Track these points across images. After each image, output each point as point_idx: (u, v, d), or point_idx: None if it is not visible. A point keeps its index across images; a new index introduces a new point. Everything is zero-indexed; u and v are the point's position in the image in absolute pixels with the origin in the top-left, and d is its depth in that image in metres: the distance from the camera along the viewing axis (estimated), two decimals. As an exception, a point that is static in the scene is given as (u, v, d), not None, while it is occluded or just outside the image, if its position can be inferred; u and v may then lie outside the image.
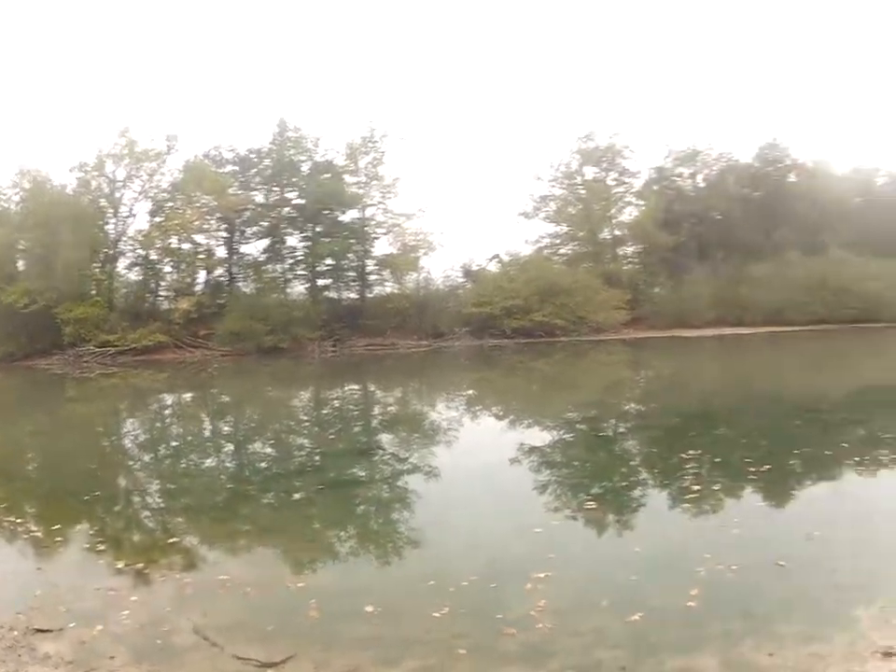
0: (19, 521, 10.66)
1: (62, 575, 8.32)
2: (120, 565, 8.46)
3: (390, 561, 8.65)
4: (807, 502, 10.61)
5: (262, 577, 7.88)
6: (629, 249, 65.57)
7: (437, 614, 6.56)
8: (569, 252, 62.65)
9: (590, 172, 64.35)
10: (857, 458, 12.88)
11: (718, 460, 13.10)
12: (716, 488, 11.16)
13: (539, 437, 16.80)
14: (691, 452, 12.93)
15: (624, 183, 65.19)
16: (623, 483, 12.19)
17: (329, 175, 54.33)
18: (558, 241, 63.31)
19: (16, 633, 6.70)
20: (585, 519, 9.79)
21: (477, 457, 14.58)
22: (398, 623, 6.60)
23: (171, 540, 9.52)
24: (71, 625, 6.82)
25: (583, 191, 62.52)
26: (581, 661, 5.87)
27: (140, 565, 8.42)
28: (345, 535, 9.86)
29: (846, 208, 65.39)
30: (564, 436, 17.22)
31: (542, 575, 7.31)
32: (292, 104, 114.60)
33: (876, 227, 62.87)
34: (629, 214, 64.62)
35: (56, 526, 10.13)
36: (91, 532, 10.13)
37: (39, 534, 9.94)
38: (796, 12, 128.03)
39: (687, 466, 12.13)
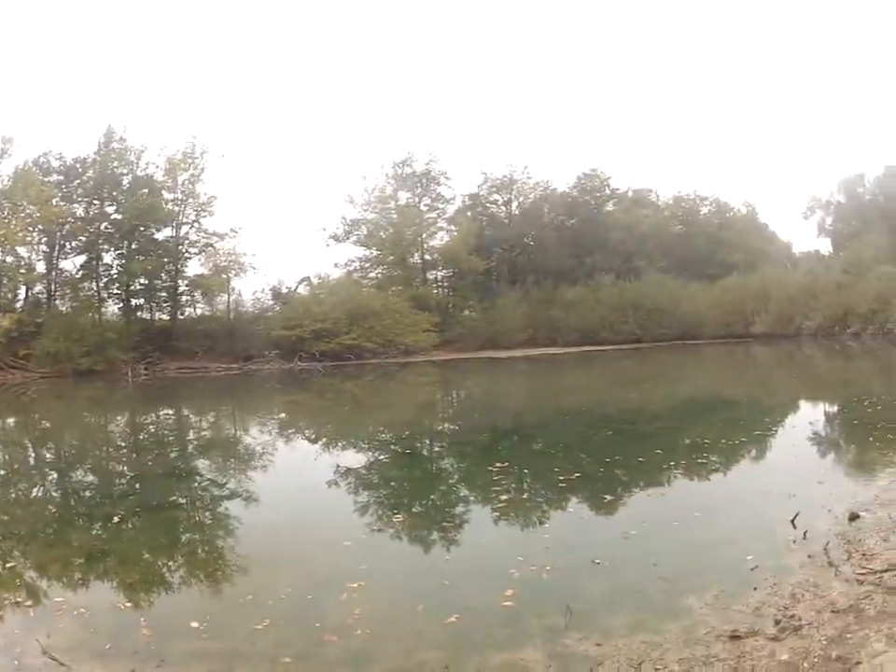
0: None
1: None
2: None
3: (211, 578, 8.32)
4: (621, 506, 10.65)
5: (95, 599, 7.59)
6: (440, 273, 65.99)
7: (259, 626, 6.44)
8: (379, 275, 62.40)
9: (404, 197, 64.47)
10: (671, 463, 13.21)
11: (527, 471, 13.47)
12: (524, 497, 11.52)
13: (352, 458, 16.39)
14: (497, 464, 12.82)
15: (437, 209, 65.52)
16: (434, 497, 12.14)
17: (146, 191, 51.66)
18: (368, 264, 63.05)
19: None
20: (395, 531, 9.69)
21: (291, 479, 14.23)
22: (224, 636, 6.45)
23: (8, 565, 8.96)
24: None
25: (395, 216, 62.00)
26: (404, 663, 5.83)
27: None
28: (168, 557, 9.49)
29: (667, 234, 69.01)
30: (376, 456, 16.82)
31: (356, 585, 7.24)
32: (124, 106, 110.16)
33: (694, 253, 66.81)
34: (441, 239, 64.78)
35: None
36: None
37: None
38: (621, 40, 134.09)
39: (496, 478, 11.97)
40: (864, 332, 49.56)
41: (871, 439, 14.54)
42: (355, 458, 16.24)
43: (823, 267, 61.91)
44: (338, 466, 14.52)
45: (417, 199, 64.51)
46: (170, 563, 9.24)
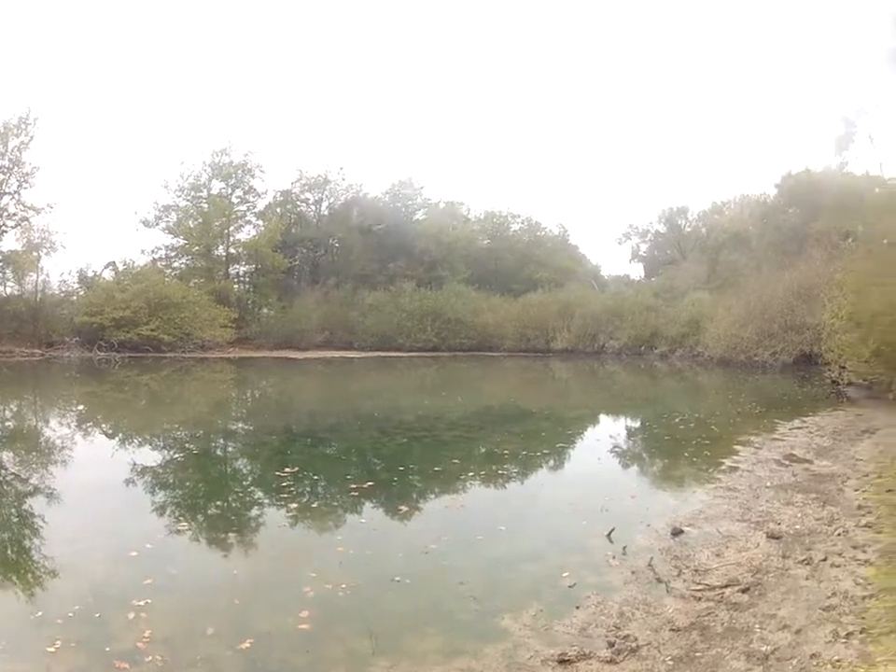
0: None
1: None
2: None
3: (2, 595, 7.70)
4: (418, 517, 10.43)
5: None
6: (242, 268, 65.75)
7: (51, 649, 6.00)
8: (183, 266, 61.62)
9: (217, 186, 63.85)
10: (470, 473, 13.24)
11: (317, 477, 13.14)
12: (315, 506, 11.07)
13: (145, 456, 15.76)
14: (287, 469, 12.72)
15: (248, 202, 65.22)
16: (222, 503, 11.68)
17: None
18: (174, 253, 61.93)
19: None
20: (181, 541, 9.24)
21: (83, 478, 13.36)
22: (18, 660, 5.99)
23: None
24: None
25: (206, 206, 61.39)
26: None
27: None
28: None
29: (474, 247, 71.01)
30: (169, 455, 16.28)
31: (143, 602, 6.90)
32: None
33: (501, 267, 69.90)
34: (248, 233, 64.68)
35: None
36: None
37: None
38: (448, 52, 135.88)
39: (286, 484, 11.84)
40: (672, 353, 51.78)
41: (685, 454, 15.04)
42: (148, 456, 15.74)
43: (632, 290, 65.03)
44: (132, 464, 14.12)
45: (230, 190, 63.95)
46: None
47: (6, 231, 51.33)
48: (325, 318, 57.69)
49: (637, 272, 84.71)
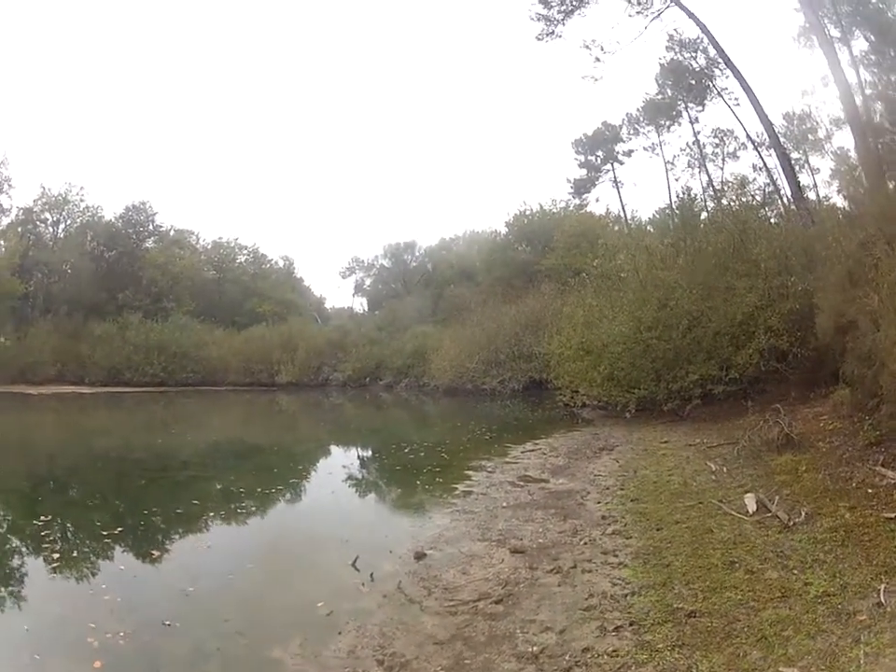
0: None
1: None
2: None
3: None
4: (170, 560, 10.57)
5: None
6: None
7: None
8: None
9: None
10: (210, 513, 13.77)
11: (69, 525, 12.94)
12: (75, 554, 10.85)
13: None
14: (43, 518, 12.42)
15: (-10, 219, 60.86)
16: None
17: None
18: None
19: None
20: None
21: None
22: None
23: None
24: None
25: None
26: None
27: None
28: None
29: (200, 278, 71.81)
30: None
31: None
32: None
33: (226, 299, 71.28)
34: None
35: None
36: None
37: None
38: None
39: (44, 533, 11.61)
40: (398, 384, 53.58)
41: (419, 482, 15.84)
42: None
43: (355, 322, 67.51)
44: None
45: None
46: None
47: None
48: (56, 350, 56.30)
49: (360, 305, 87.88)
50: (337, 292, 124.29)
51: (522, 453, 19.09)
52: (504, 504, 12.74)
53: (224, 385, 58.73)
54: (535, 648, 6.39)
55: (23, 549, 11.59)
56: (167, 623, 7.67)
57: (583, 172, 59.33)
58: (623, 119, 58.44)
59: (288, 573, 9.66)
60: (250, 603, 8.44)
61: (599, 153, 58.59)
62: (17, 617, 8.22)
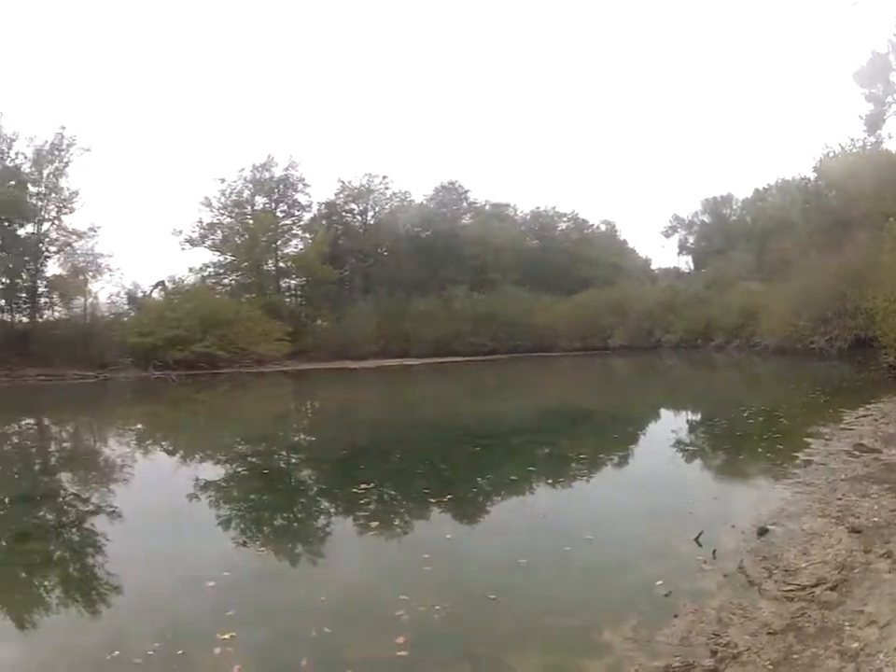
0: None
1: None
2: None
3: (72, 628, 7.17)
4: (502, 530, 9.88)
5: None
6: (293, 282, 65.87)
7: None
8: (233, 282, 61.69)
9: (260, 202, 64.29)
10: (548, 480, 12.97)
11: (394, 492, 12.55)
12: (396, 523, 10.55)
13: (212, 473, 15.38)
14: (363, 486, 12.06)
15: (293, 215, 65.55)
16: (300, 524, 11.13)
17: (13, 183, 48.76)
18: (222, 270, 62.08)
19: None
20: (261, 566, 8.71)
21: (151, 499, 12.97)
22: None
23: None
24: None
25: (251, 221, 61.61)
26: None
27: None
28: (27, 599, 8.19)
29: (522, 248, 70.93)
30: (237, 472, 15.78)
31: (227, 636, 6.29)
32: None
33: (550, 267, 69.53)
34: (295, 246, 64.86)
35: None
36: None
37: None
38: (482, 51, 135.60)
39: (362, 501, 11.24)
40: (728, 345, 51.26)
41: (759, 450, 14.64)
42: (214, 476, 15.22)
43: (683, 283, 64.65)
44: (198, 484, 13.63)
45: (274, 205, 64.24)
46: (30, 608, 7.98)
47: (48, 257, 51.72)
48: (379, 327, 57.55)
49: (686, 263, 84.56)
50: (661, 252, 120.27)
51: (855, 418, 17.56)
52: (842, 476, 11.65)
53: (555, 351, 58.30)
54: (857, 644, 5.63)
55: (341, 517, 11.42)
56: (492, 597, 7.04)
57: (870, 106, 51.56)
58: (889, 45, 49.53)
59: (627, 546, 8.79)
60: (585, 578, 7.75)
61: (878, 85, 50.51)
62: (316, 587, 7.80)
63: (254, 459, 16.67)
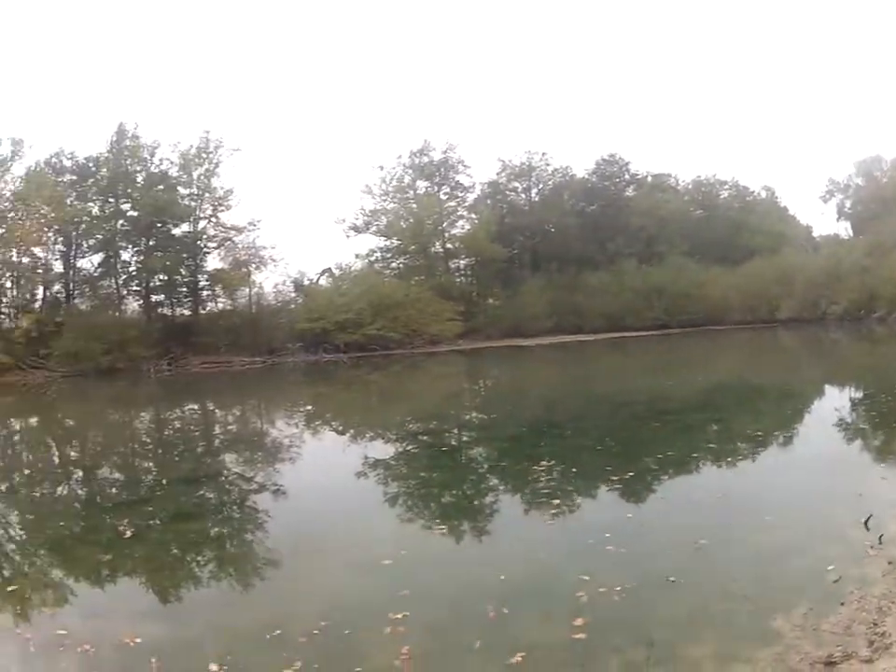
0: None
1: None
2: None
3: (231, 606, 7.27)
4: (683, 509, 9.56)
5: (100, 631, 6.52)
6: (462, 262, 65.94)
7: (289, 670, 5.39)
8: (401, 265, 62.37)
9: (422, 186, 64.59)
10: (728, 458, 12.56)
11: (575, 470, 12.11)
12: (578, 500, 10.33)
13: (382, 451, 15.45)
14: (543, 462, 11.75)
15: (457, 197, 65.57)
16: (476, 501, 11.00)
17: (162, 187, 51.63)
18: (389, 255, 62.89)
19: None
20: (438, 544, 8.66)
21: (319, 478, 13.36)
22: None
23: (10, 588, 7.99)
24: None
25: (415, 205, 62.01)
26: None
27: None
28: (183, 577, 8.45)
29: (685, 219, 68.90)
30: (407, 450, 15.86)
31: (400, 615, 6.14)
32: (135, 105, 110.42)
33: (715, 236, 67.27)
34: (461, 227, 64.75)
35: None
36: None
37: None
38: (637, 24, 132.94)
39: (542, 477, 11.00)
40: (889, 316, 48.72)
41: None
42: (383, 452, 15.46)
43: (845, 250, 60.67)
44: (365, 460, 13.89)
45: (436, 188, 64.44)
46: (184, 586, 8.27)
47: (208, 253, 53.96)
48: (551, 304, 57.11)
49: (845, 230, 78.65)
50: (822, 219, 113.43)
51: None
52: None
53: (725, 324, 56.58)
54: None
55: (519, 495, 11.10)
56: (671, 579, 6.77)
57: None
58: None
59: (800, 528, 8.33)
60: (762, 562, 7.27)
61: None
62: (493, 566, 7.45)
63: (425, 438, 16.72)
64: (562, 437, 15.89)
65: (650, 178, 72.22)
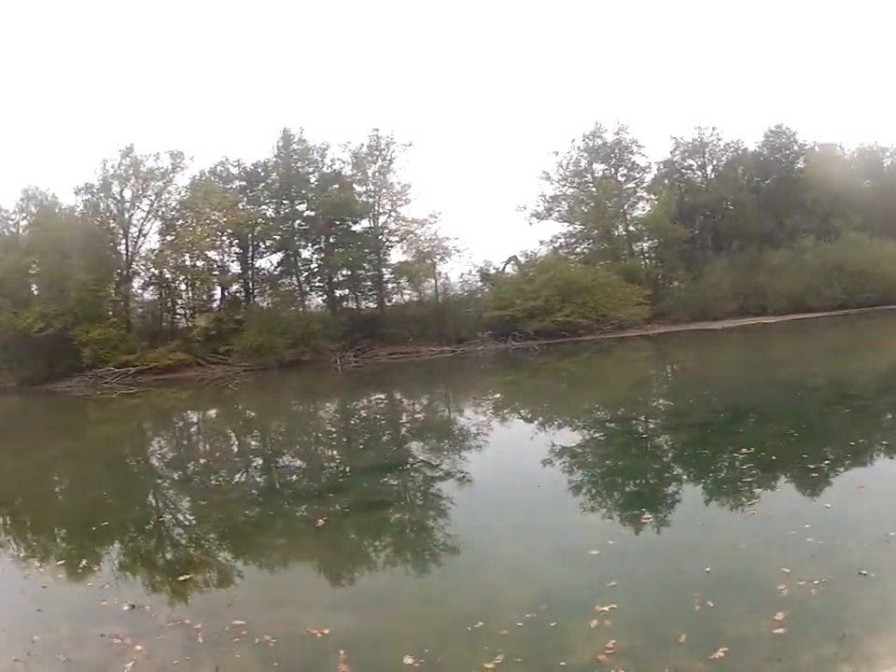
0: (22, 555, 10.35)
1: (63, 618, 7.55)
2: (126, 607, 7.57)
3: (427, 597, 7.59)
4: (876, 499, 9.21)
5: (282, 622, 6.90)
6: (645, 244, 65.22)
7: (489, 665, 5.55)
8: (585, 250, 62.30)
9: (599, 169, 64.37)
10: None
11: (774, 458, 11.86)
12: (779, 490, 10.30)
13: (575, 439, 16.04)
14: (744, 451, 11.88)
15: (634, 178, 65.14)
16: (678, 490, 11.21)
17: (337, 186, 54.03)
18: (573, 240, 63.02)
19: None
20: (645, 535, 8.83)
21: (512, 466, 13.91)
22: None
23: (182, 578, 8.54)
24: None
25: (594, 189, 62.03)
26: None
27: (147, 607, 7.62)
28: (374, 567, 8.80)
29: (855, 191, 64.72)
30: (600, 437, 16.37)
31: (607, 608, 6.28)
32: (296, 113, 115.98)
33: (886, 208, 63.20)
34: (642, 209, 64.10)
35: (60, 562, 9.68)
36: (97, 568, 9.50)
37: (42, 570, 9.29)
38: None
39: (742, 466, 11.19)
40: None
41: None
42: (575, 440, 15.86)
43: None
44: (558, 448, 14.23)
45: (613, 170, 64.23)
46: (376, 576, 8.43)
47: (391, 247, 55.86)
48: (735, 285, 55.64)
49: None
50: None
51: None
52: None
53: None
54: None
55: (723, 484, 11.12)
56: (863, 572, 6.75)
57: None
58: None
59: None
60: None
61: None
62: (701, 558, 7.61)
63: (617, 426, 17.14)
64: (755, 423, 15.90)
65: (817, 149, 68.86)
